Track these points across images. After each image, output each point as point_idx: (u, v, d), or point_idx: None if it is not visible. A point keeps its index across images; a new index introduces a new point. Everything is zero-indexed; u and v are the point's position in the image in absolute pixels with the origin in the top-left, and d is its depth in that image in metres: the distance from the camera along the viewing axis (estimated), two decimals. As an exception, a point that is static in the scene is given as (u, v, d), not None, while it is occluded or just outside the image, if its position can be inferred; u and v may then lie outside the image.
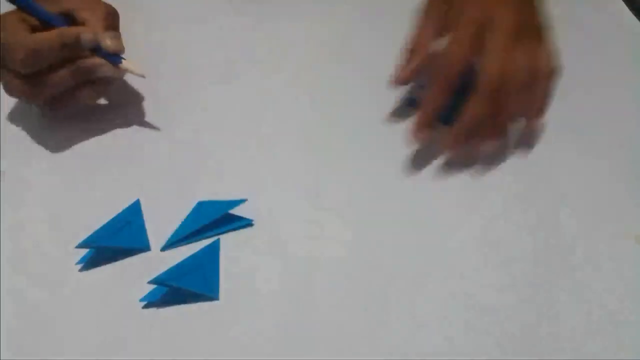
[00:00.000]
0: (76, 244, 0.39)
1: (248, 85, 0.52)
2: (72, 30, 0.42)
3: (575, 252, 0.43)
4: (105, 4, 0.46)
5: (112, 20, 0.45)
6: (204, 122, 0.49)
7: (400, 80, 0.46)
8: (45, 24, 0.43)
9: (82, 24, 0.44)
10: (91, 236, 0.40)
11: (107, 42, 0.43)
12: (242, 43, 0.53)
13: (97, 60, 0.43)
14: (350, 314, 0.39)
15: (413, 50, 0.46)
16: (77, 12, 0.44)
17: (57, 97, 0.44)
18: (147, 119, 0.49)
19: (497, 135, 0.45)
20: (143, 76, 0.45)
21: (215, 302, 0.39)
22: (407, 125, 0.47)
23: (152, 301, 0.38)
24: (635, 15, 0.61)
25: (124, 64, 0.44)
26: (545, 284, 0.41)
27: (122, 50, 0.44)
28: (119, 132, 0.48)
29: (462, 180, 0.46)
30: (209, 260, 0.40)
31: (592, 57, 0.57)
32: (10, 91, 0.43)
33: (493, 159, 0.48)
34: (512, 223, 0.44)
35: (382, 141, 0.49)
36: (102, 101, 0.49)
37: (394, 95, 0.51)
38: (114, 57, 0.44)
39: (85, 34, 0.42)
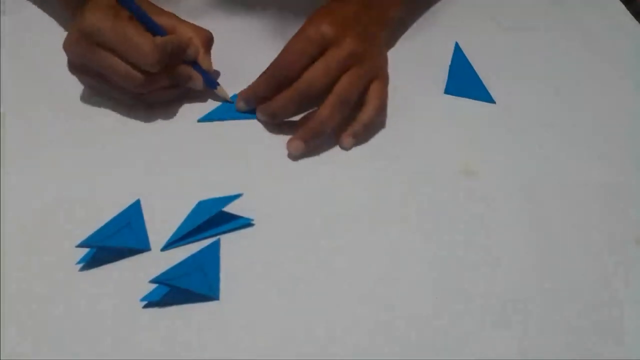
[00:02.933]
0: (76, 243, 0.39)
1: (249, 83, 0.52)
2: (183, 40, 0.47)
3: (576, 252, 0.43)
4: (205, 29, 0.49)
5: (210, 45, 0.50)
6: (205, 122, 0.49)
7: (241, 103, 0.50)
8: (149, 30, 0.45)
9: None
10: (91, 236, 0.40)
11: (207, 64, 0.49)
12: (242, 42, 0.52)
13: (194, 72, 0.48)
14: (351, 313, 0.39)
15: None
16: (181, 28, 0.48)
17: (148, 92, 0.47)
18: (147, 118, 0.49)
19: (305, 136, 0.46)
20: (231, 102, 0.50)
21: (215, 302, 0.39)
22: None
23: (153, 301, 0.38)
24: (635, 16, 0.62)
25: (219, 90, 0.49)
26: (545, 284, 0.41)
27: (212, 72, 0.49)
28: (119, 132, 0.48)
29: (459, 181, 0.47)
30: (209, 260, 0.40)
31: (592, 58, 0.57)
32: (121, 79, 0.45)
33: (491, 155, 0.48)
34: (512, 222, 0.44)
35: (381, 139, 0.49)
36: (104, 100, 0.49)
37: (394, 93, 0.52)
38: (211, 81, 0.49)
39: (192, 48, 0.47)
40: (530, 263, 0.42)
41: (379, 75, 0.49)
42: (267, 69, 0.47)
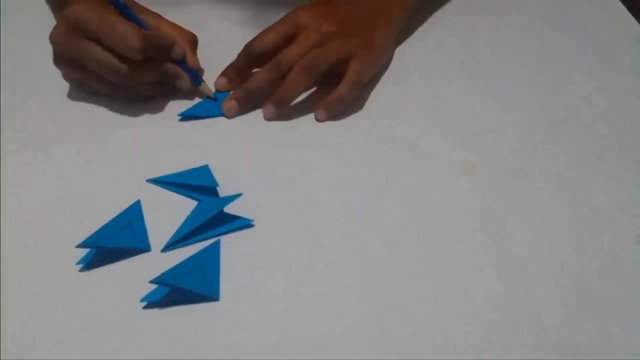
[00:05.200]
0: (76, 244, 0.39)
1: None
2: (170, 37, 0.48)
3: (575, 251, 0.43)
4: (189, 31, 0.51)
5: (194, 46, 0.51)
6: (205, 122, 0.49)
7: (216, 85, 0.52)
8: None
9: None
10: (91, 236, 0.40)
11: (195, 62, 0.50)
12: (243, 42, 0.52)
13: (181, 71, 0.49)
14: (352, 314, 0.39)
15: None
16: (165, 28, 0.49)
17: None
18: (148, 119, 0.49)
19: (274, 100, 0.49)
20: (215, 99, 0.50)
21: (215, 303, 0.39)
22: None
23: (153, 301, 0.38)
24: (634, 16, 0.62)
25: (203, 86, 0.50)
26: (545, 283, 0.41)
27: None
28: (119, 132, 0.48)
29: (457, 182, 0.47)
30: (209, 261, 0.40)
31: (592, 58, 0.57)
32: (106, 70, 0.45)
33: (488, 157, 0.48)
34: (512, 222, 0.44)
35: (381, 139, 0.49)
36: (104, 100, 0.49)
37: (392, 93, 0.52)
38: (196, 78, 0.50)
39: (179, 46, 0.48)
40: (530, 263, 0.42)
41: (360, 54, 0.50)
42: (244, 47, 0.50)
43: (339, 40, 0.49)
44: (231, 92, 0.50)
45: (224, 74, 0.51)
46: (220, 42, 0.54)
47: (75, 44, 0.44)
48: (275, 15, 0.52)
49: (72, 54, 0.45)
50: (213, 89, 0.51)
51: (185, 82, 0.49)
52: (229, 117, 0.49)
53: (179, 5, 0.57)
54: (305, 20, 0.50)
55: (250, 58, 0.50)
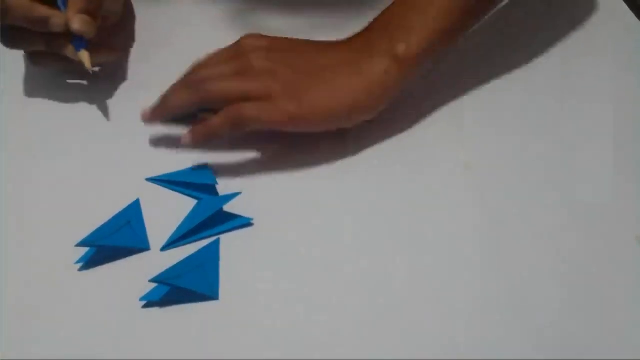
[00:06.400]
0: (75, 243, 0.39)
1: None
2: (43, 11, 0.43)
3: (576, 252, 0.43)
4: None
5: (94, 4, 0.44)
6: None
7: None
8: None
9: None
10: (91, 235, 0.40)
11: (75, 26, 0.43)
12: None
13: (65, 42, 0.45)
14: (352, 314, 0.39)
15: None
16: None
17: (33, 54, 0.46)
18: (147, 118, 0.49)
19: (157, 114, 0.45)
20: (89, 72, 0.46)
21: (215, 302, 0.39)
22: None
23: (152, 300, 0.38)
24: (637, 15, 0.61)
25: (80, 53, 0.45)
26: (545, 284, 0.41)
27: (89, 34, 0.44)
28: (118, 131, 0.48)
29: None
30: (209, 260, 0.40)
31: (591, 57, 0.57)
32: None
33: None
34: (513, 222, 0.44)
35: (381, 139, 0.49)
36: (102, 99, 0.49)
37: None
38: (77, 43, 0.45)
39: (56, 19, 0.43)
40: (530, 263, 0.42)
41: (279, 98, 0.43)
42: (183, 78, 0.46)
43: (250, 75, 0.44)
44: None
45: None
46: (204, 41, 0.54)
47: None
48: (263, 13, 0.51)
49: None
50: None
51: (70, 51, 0.45)
52: (146, 124, 0.45)
53: (172, 3, 0.57)
54: (245, 47, 0.45)
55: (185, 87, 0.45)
